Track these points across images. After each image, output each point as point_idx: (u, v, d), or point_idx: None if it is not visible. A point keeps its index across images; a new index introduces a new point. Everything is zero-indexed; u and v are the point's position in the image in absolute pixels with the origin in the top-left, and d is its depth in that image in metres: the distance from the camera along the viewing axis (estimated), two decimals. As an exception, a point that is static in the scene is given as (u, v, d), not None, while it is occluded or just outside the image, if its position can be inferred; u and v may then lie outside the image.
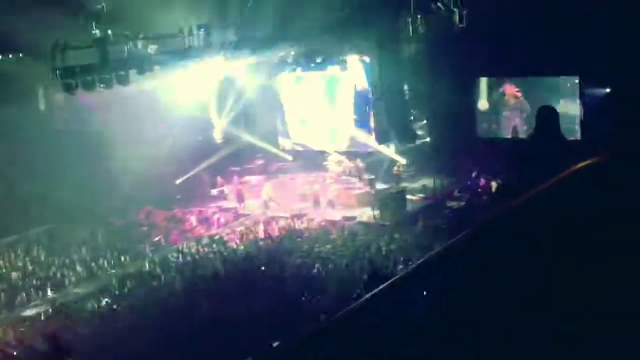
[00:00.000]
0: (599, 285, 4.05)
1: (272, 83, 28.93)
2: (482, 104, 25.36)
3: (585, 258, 4.16)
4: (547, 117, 7.99)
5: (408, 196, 24.80)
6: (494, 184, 22.83)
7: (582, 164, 4.90)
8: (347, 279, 17.57)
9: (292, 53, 22.36)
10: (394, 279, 5.17)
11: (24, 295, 19.92)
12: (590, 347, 3.96)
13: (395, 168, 26.56)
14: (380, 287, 5.01)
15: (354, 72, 27.19)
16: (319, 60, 27.17)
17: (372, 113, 27.05)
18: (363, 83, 27.02)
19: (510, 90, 24.71)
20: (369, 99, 26.98)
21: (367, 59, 26.00)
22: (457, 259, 4.71)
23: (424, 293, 4.46)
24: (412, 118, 25.47)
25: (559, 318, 3.91)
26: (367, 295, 4.97)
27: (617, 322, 3.96)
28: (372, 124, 27.21)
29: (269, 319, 15.97)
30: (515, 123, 24.68)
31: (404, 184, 25.93)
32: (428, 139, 26.55)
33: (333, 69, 27.54)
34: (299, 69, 27.87)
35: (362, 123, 27.83)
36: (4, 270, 22.11)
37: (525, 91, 24.25)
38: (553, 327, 3.86)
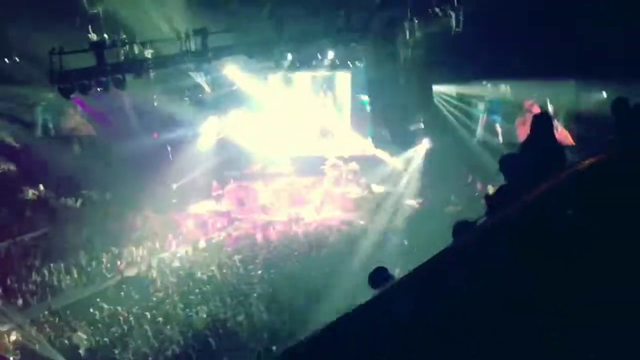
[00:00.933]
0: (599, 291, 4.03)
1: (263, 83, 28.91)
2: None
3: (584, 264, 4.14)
4: (542, 123, 7.99)
5: (404, 201, 24.84)
6: (490, 188, 22.83)
7: (586, 162, 4.84)
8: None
9: (289, 57, 22.32)
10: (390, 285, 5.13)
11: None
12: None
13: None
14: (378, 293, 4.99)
15: (349, 76, 27.27)
16: (314, 62, 27.20)
17: (368, 117, 27.13)
18: (359, 87, 27.08)
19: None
20: (365, 102, 27.05)
21: (363, 62, 26.04)
22: (454, 266, 4.68)
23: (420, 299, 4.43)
24: (409, 123, 25.46)
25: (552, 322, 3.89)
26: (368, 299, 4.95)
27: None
28: (368, 128, 27.30)
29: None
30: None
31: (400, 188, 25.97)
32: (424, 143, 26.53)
33: (328, 72, 27.61)
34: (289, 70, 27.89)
35: (358, 127, 27.89)
36: None
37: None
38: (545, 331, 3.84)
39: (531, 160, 7.62)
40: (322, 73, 27.67)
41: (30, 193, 26.45)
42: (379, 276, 9.76)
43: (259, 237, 23.85)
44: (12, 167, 27.01)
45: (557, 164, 7.33)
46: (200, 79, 25.55)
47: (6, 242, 23.63)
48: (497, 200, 7.55)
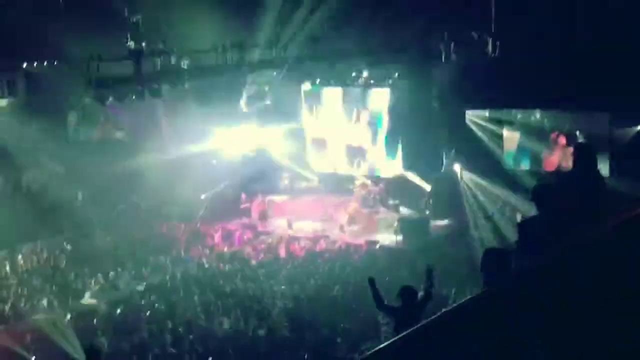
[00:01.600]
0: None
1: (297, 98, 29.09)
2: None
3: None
4: (584, 154, 7.91)
5: (432, 223, 24.75)
6: (518, 215, 22.68)
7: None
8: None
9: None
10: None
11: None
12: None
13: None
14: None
15: (382, 95, 27.28)
16: (347, 81, 27.35)
17: (399, 138, 27.09)
18: (391, 107, 27.05)
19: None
20: (396, 123, 27.03)
21: (397, 83, 26.08)
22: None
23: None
24: (440, 146, 25.39)
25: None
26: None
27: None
28: (398, 149, 27.25)
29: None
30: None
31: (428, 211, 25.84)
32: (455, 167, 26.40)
33: (361, 90, 27.73)
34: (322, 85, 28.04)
35: (388, 147, 27.85)
36: (25, 276, 22.18)
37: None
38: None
39: (572, 191, 7.54)
40: (355, 89, 27.81)
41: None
42: (406, 293, 9.65)
43: (282, 252, 23.85)
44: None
45: (599, 197, 7.25)
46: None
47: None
48: (530, 230, 7.48)
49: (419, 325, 5.17)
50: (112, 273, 21.87)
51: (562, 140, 23.66)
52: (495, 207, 24.15)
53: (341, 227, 25.76)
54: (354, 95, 28.19)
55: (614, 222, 4.75)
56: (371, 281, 10.38)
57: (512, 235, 14.93)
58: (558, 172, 22.86)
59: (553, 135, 23.87)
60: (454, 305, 5.85)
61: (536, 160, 24.57)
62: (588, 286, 4.23)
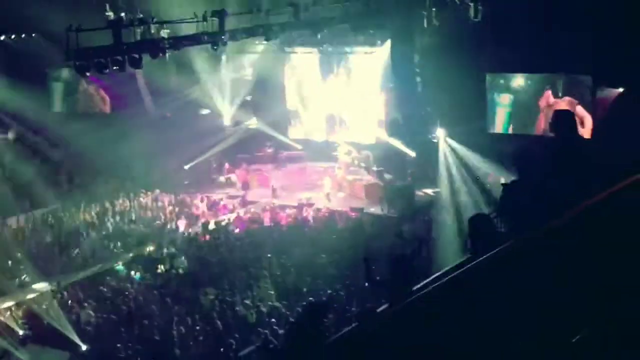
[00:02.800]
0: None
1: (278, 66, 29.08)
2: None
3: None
4: (564, 120, 7.94)
5: (417, 190, 24.79)
6: (502, 180, 22.73)
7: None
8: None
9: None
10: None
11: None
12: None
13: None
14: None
15: (365, 62, 27.20)
16: (330, 49, 27.25)
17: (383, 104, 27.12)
18: (374, 73, 26.99)
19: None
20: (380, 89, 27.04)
21: (380, 49, 25.99)
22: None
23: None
24: (423, 112, 25.29)
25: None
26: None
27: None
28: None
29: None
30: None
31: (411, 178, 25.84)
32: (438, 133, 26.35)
33: (344, 57, 27.72)
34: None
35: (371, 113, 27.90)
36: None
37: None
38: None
39: (552, 155, 7.58)
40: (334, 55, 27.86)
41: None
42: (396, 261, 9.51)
43: (267, 220, 23.88)
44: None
45: (578, 160, 7.28)
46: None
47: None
48: (512, 193, 7.55)
49: (412, 297, 5.22)
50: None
51: (544, 102, 23.66)
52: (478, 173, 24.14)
53: (327, 195, 25.76)
54: (334, 59, 28.23)
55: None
56: (365, 260, 10.31)
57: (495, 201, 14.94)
58: (542, 137, 22.88)
59: (540, 102, 23.87)
60: (445, 273, 5.85)
61: (524, 124, 24.54)
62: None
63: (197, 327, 15.93)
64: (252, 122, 29.90)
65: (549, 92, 23.42)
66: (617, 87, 21.98)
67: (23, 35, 25.67)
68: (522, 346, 4.00)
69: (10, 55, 26.61)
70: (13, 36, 25.26)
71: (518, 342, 4.02)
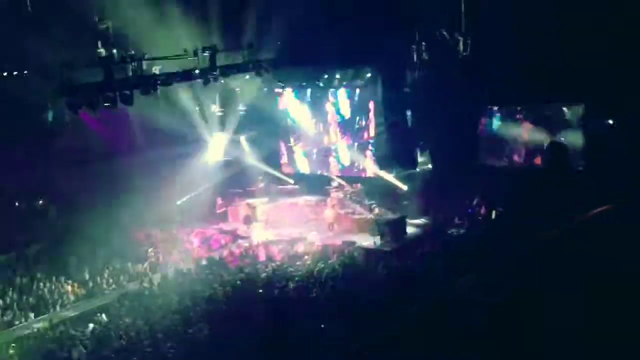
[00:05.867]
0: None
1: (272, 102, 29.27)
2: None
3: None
4: (556, 152, 8.08)
5: (409, 222, 24.81)
6: (493, 212, 22.86)
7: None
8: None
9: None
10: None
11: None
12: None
13: None
14: None
15: (355, 97, 27.44)
16: (321, 83, 27.51)
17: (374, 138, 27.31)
18: (364, 108, 27.21)
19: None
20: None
21: (369, 84, 26.24)
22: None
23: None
24: (414, 145, 25.46)
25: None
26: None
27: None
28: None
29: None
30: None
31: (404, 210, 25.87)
32: (430, 166, 26.47)
33: (334, 92, 27.98)
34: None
35: (362, 147, 28.10)
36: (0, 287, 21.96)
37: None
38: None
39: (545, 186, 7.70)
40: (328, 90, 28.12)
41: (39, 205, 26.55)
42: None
43: (261, 255, 23.78)
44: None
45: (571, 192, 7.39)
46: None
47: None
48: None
49: None
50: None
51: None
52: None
53: (330, 226, 25.87)
54: (324, 95, 28.52)
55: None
56: None
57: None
58: (531, 167, 23.04)
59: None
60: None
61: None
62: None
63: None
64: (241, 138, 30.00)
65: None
66: (608, 118, 22.19)
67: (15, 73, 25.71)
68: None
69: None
70: (5, 74, 25.30)
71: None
